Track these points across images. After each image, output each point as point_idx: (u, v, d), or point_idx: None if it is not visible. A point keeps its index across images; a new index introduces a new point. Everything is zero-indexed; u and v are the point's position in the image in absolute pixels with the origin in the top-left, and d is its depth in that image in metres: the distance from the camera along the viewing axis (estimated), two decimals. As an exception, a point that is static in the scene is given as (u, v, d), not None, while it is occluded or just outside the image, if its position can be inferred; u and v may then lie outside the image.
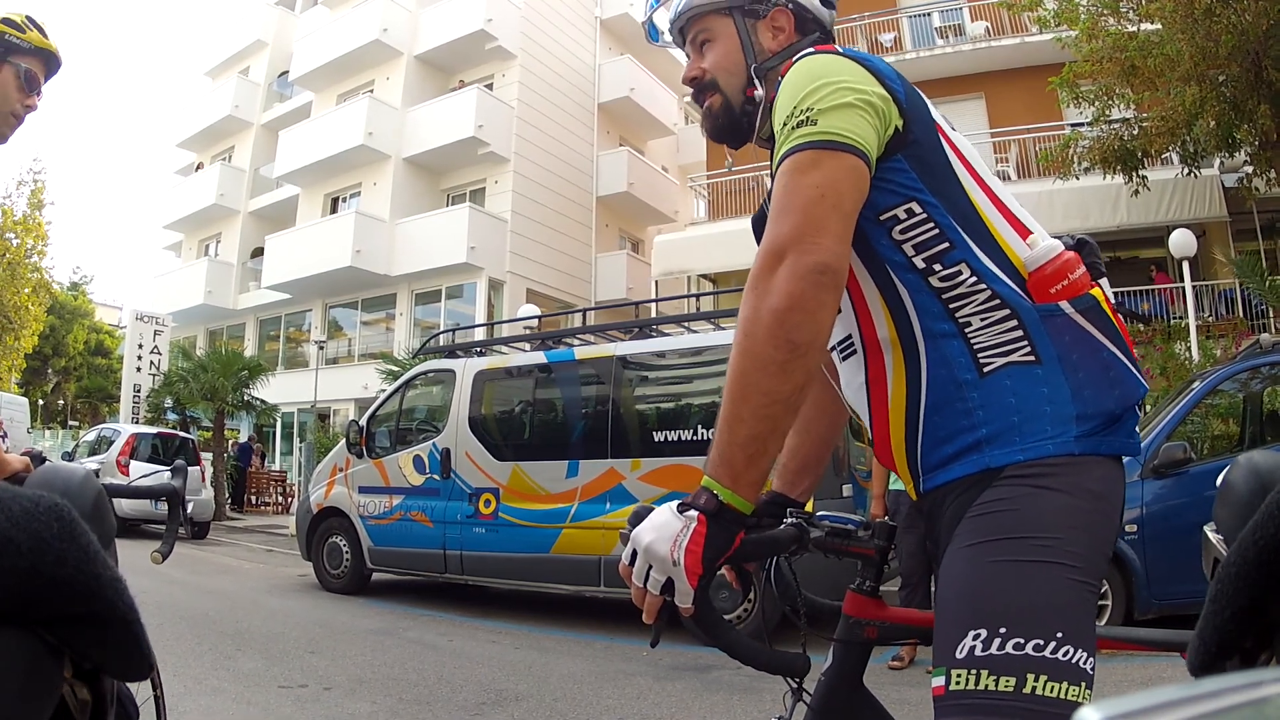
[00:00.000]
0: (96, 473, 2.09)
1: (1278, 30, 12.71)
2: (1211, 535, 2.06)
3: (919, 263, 1.50)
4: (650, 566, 1.33)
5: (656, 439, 8.46)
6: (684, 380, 9.17)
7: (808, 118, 1.45)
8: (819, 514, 1.77)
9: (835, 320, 1.43)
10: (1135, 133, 15.23)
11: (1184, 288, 15.45)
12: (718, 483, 1.35)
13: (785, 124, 1.48)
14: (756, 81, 1.74)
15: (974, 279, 1.48)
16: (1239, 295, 17.27)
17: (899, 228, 1.50)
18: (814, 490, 1.96)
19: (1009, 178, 19.57)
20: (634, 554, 1.35)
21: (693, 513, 1.33)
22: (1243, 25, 12.57)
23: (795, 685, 1.68)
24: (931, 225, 1.49)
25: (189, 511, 16.77)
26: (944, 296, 1.49)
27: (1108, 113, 15.44)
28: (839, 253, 1.38)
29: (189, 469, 15.33)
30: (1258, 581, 0.71)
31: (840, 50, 1.58)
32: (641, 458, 8.44)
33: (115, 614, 0.75)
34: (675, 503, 1.36)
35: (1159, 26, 14.06)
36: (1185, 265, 15.11)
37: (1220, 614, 0.74)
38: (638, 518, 1.37)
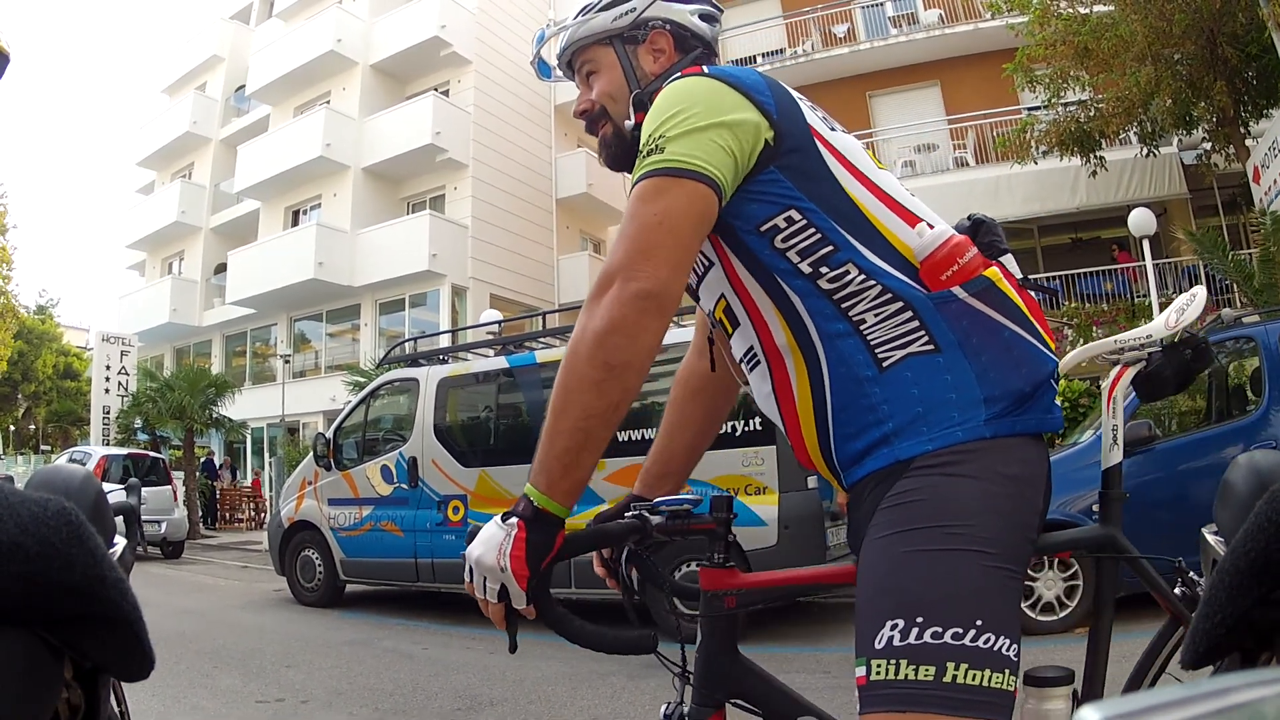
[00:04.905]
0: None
1: (1231, 7, 12.81)
2: (1210, 537, 2.10)
3: (805, 268, 1.51)
4: (485, 578, 1.42)
5: (620, 439, 8.31)
6: (646, 378, 9.11)
7: (657, 145, 1.48)
8: (656, 500, 1.84)
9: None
10: (1091, 114, 15.30)
11: (1145, 266, 15.55)
12: (535, 489, 1.43)
13: (640, 151, 1.52)
14: (640, 106, 1.74)
15: (862, 277, 1.49)
16: (1202, 272, 17.27)
17: (780, 237, 1.52)
18: (675, 494, 1.99)
19: (967, 164, 19.68)
20: (472, 570, 1.44)
21: (514, 520, 1.42)
22: (1196, 3, 12.67)
23: (680, 669, 1.74)
24: (812, 230, 1.50)
25: (162, 531, 16.74)
26: (835, 297, 1.50)
27: (1062, 95, 15.49)
28: (666, 279, 1.43)
29: (161, 489, 15.13)
30: (1249, 592, 0.72)
31: (706, 70, 1.59)
32: (606, 458, 8.34)
33: (119, 615, 0.75)
34: (499, 515, 1.44)
35: (1111, 9, 14.14)
36: (1145, 244, 15.20)
37: (1211, 618, 0.74)
38: (471, 536, 1.45)
